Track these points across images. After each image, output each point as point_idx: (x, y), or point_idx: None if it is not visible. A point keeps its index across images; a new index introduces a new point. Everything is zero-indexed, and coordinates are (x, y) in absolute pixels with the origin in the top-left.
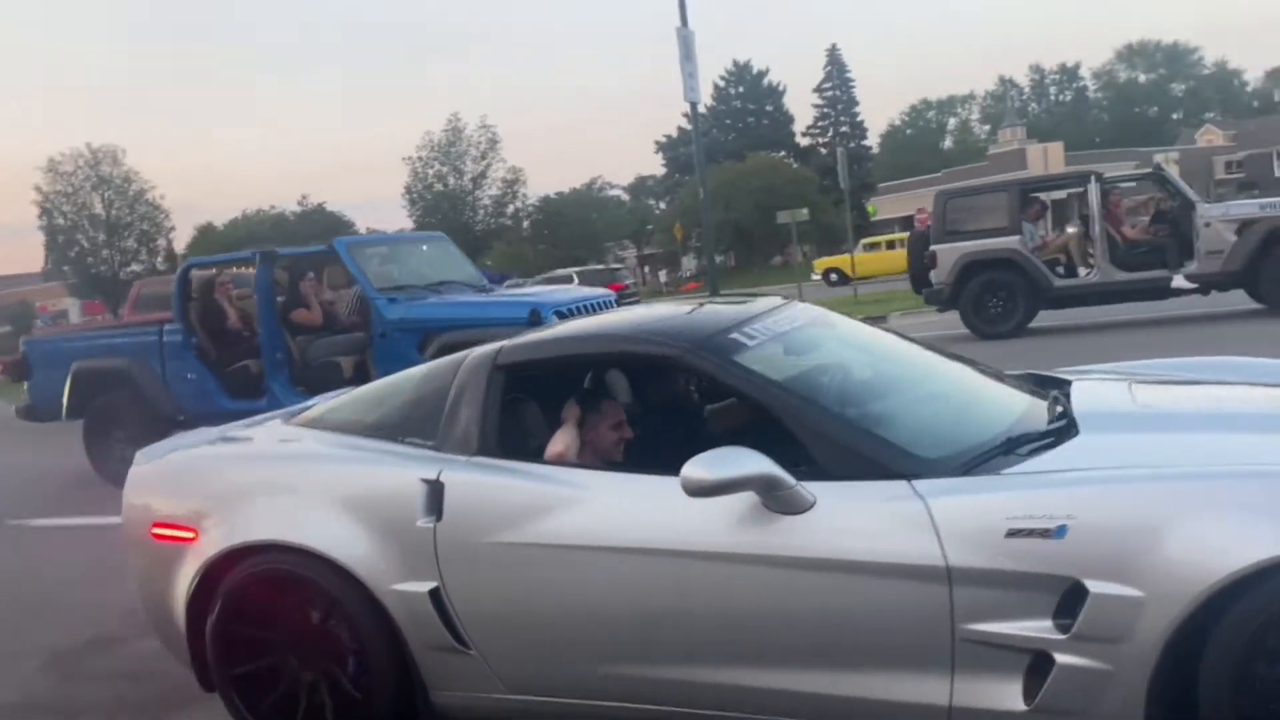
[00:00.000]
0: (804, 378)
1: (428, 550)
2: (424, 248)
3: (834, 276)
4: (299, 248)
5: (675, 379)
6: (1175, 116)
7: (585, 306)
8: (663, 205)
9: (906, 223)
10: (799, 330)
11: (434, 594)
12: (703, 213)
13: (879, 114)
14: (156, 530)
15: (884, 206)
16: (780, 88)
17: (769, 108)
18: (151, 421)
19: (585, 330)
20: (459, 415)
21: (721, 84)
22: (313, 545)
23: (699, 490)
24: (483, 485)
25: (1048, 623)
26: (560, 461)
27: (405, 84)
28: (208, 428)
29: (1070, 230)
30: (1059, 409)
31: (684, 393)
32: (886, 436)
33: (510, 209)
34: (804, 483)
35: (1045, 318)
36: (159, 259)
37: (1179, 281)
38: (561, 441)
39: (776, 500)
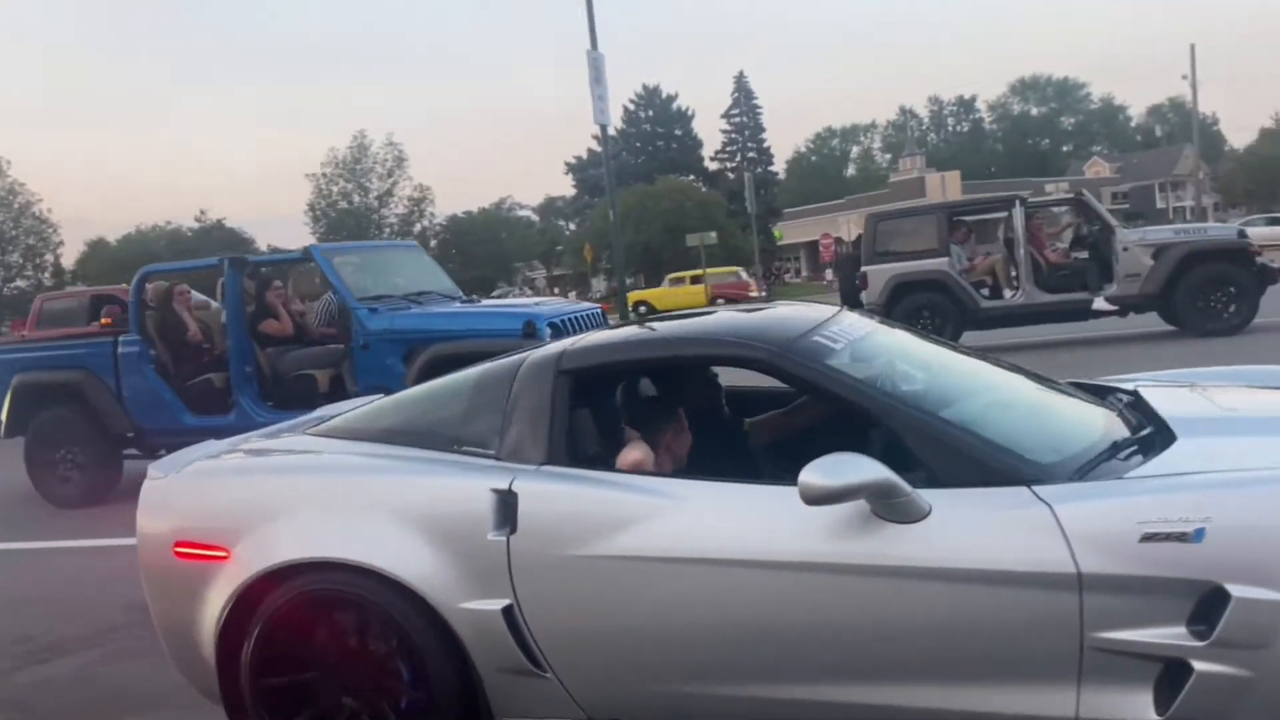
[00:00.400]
0: (893, 382)
1: (500, 565)
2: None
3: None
4: (266, 255)
5: (708, 387)
6: (1065, 149)
7: (576, 319)
8: (573, 226)
9: (811, 247)
10: (868, 337)
11: (507, 612)
12: (613, 234)
13: (785, 141)
14: (180, 549)
15: (789, 231)
16: (689, 112)
17: (678, 132)
18: (101, 439)
19: (662, 333)
20: (522, 422)
21: (631, 107)
22: (368, 562)
23: (818, 498)
24: (561, 495)
25: (1182, 629)
26: (637, 470)
27: (309, 100)
28: (214, 441)
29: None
30: (1142, 414)
31: (715, 401)
32: (998, 441)
33: (417, 227)
34: (917, 490)
35: (969, 338)
36: (46, 275)
37: (1099, 303)
38: (638, 449)
39: (890, 508)
